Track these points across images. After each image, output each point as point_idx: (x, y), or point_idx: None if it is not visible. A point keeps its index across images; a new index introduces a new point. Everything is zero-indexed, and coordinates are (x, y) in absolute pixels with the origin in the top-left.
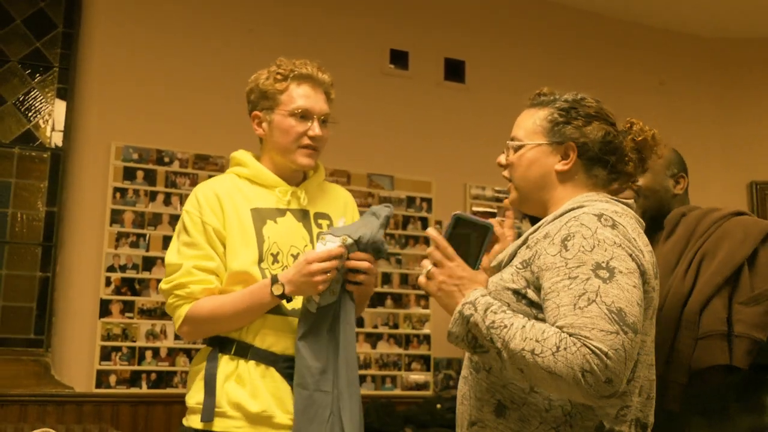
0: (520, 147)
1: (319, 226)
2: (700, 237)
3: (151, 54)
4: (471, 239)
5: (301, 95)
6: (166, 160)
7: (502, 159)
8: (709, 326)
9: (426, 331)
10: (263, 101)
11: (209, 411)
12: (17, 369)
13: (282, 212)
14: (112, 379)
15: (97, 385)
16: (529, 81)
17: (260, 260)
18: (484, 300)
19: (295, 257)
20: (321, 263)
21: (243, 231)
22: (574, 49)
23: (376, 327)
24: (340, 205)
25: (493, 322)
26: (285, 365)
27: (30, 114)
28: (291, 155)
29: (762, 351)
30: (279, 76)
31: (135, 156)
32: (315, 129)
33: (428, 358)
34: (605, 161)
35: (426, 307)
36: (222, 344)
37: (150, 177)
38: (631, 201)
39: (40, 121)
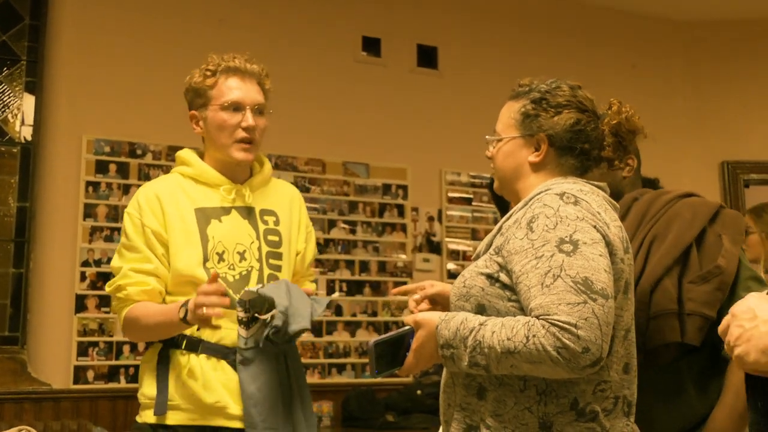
0: (498, 141)
1: (265, 222)
2: (650, 220)
3: (120, 45)
4: (402, 342)
5: (230, 87)
6: (139, 152)
7: (488, 152)
8: (660, 306)
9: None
10: (197, 99)
11: (162, 405)
12: None
13: (227, 210)
14: (90, 374)
15: (75, 381)
16: (502, 66)
17: (205, 260)
18: (449, 333)
19: (242, 254)
20: (205, 297)
21: (186, 232)
22: (546, 34)
23: (354, 315)
24: (286, 201)
25: (472, 342)
26: (236, 357)
27: None
28: (227, 150)
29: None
30: (208, 72)
31: (107, 149)
32: (248, 119)
33: None
34: (575, 149)
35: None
36: (172, 339)
37: (123, 170)
38: (603, 183)
39: (9, 116)
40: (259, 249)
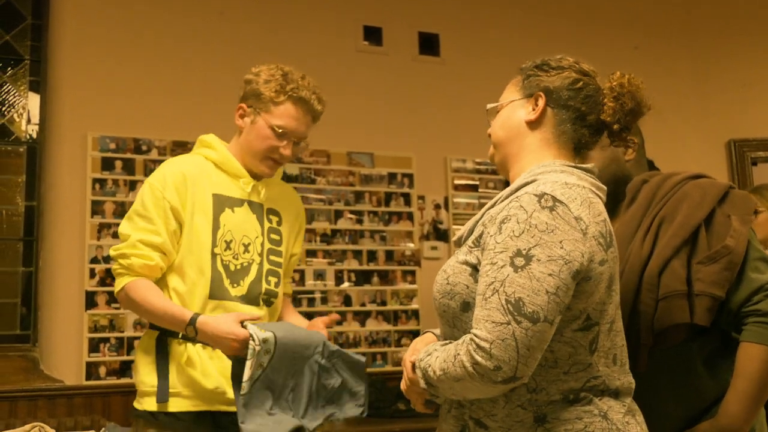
0: (498, 109)
1: (270, 221)
2: (659, 202)
3: (122, 42)
4: None
5: (291, 116)
6: (144, 148)
7: (489, 129)
8: (668, 287)
9: (414, 306)
10: (254, 99)
11: (164, 393)
12: (5, 365)
13: (240, 202)
14: (102, 370)
15: (87, 377)
16: (504, 51)
17: (213, 245)
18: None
19: (246, 246)
20: (239, 345)
21: (202, 215)
22: (547, 17)
23: (363, 305)
24: (292, 207)
25: (426, 368)
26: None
27: (4, 108)
28: (256, 160)
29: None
30: (279, 88)
31: (112, 146)
32: (287, 149)
33: (417, 333)
34: (572, 109)
35: (413, 282)
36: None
37: (128, 166)
38: (591, 165)
39: (15, 115)
40: (262, 245)
